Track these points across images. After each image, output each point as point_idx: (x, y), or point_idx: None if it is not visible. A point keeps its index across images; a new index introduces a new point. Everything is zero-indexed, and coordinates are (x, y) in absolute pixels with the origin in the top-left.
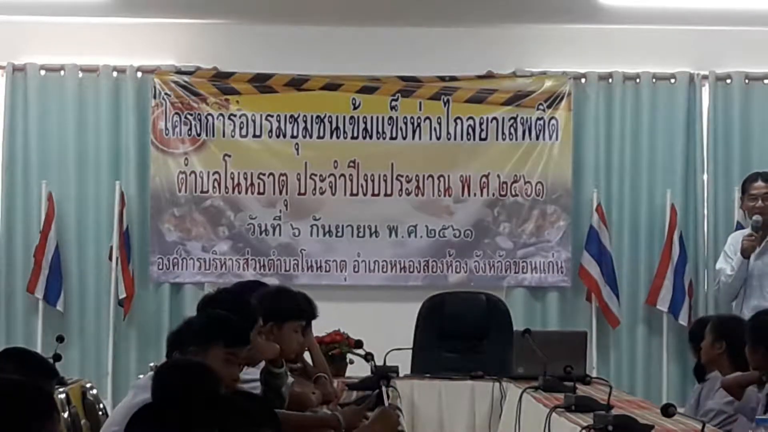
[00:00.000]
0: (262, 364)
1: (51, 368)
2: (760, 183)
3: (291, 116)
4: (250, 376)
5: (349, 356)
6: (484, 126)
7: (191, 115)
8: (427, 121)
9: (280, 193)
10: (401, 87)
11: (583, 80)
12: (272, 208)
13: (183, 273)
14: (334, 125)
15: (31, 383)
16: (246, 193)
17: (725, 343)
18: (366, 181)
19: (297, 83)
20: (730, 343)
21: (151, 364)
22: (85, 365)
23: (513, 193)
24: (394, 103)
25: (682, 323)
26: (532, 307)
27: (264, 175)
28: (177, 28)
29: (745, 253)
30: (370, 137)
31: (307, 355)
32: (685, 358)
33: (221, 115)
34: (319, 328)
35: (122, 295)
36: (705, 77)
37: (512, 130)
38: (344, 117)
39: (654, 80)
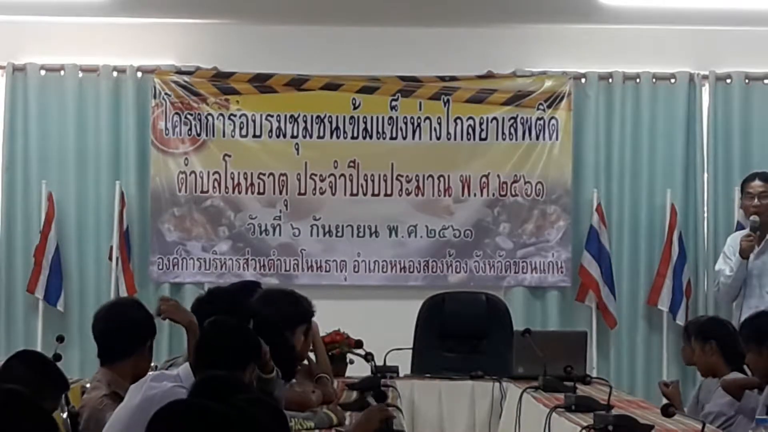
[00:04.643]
0: None
1: (63, 381)
2: (757, 182)
3: (291, 116)
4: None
5: (349, 356)
6: (484, 126)
7: (191, 115)
8: (427, 121)
9: (280, 193)
10: (401, 87)
11: (583, 80)
12: (272, 208)
13: (183, 273)
14: (334, 125)
15: (26, 398)
16: (246, 193)
17: (715, 342)
18: (366, 181)
19: (297, 83)
20: (719, 341)
21: (152, 365)
22: (85, 365)
23: (513, 193)
24: (394, 103)
25: (679, 323)
26: (531, 307)
27: (264, 175)
28: (177, 28)
29: (744, 254)
30: (370, 137)
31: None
32: None
33: (221, 115)
34: (320, 328)
35: (122, 295)
36: (705, 77)
37: (512, 130)
38: (344, 117)
39: (654, 80)
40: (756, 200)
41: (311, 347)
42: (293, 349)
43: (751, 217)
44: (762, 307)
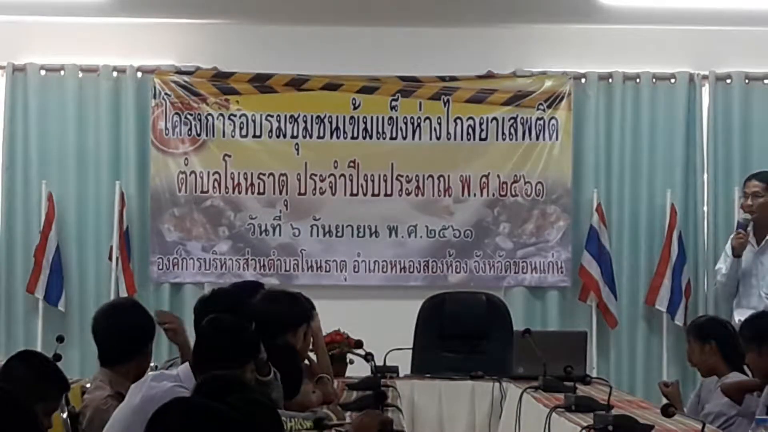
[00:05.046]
0: None
1: (63, 381)
2: (752, 182)
3: (291, 116)
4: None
5: (349, 356)
6: (484, 126)
7: (191, 115)
8: (427, 121)
9: (280, 193)
10: (401, 87)
11: (583, 80)
12: (272, 208)
13: (183, 273)
14: (334, 125)
15: (12, 397)
16: (246, 193)
17: (714, 343)
18: (366, 181)
19: (297, 83)
20: (719, 342)
21: (152, 365)
22: (85, 365)
23: (513, 193)
24: (394, 103)
25: (678, 323)
26: (531, 307)
27: (264, 175)
28: (177, 28)
29: (735, 252)
30: (370, 137)
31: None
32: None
33: (221, 115)
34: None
35: (123, 295)
36: (705, 77)
37: (512, 130)
38: (344, 117)
39: (654, 80)
40: (749, 200)
41: (312, 347)
42: (294, 350)
43: (742, 215)
44: (761, 307)
